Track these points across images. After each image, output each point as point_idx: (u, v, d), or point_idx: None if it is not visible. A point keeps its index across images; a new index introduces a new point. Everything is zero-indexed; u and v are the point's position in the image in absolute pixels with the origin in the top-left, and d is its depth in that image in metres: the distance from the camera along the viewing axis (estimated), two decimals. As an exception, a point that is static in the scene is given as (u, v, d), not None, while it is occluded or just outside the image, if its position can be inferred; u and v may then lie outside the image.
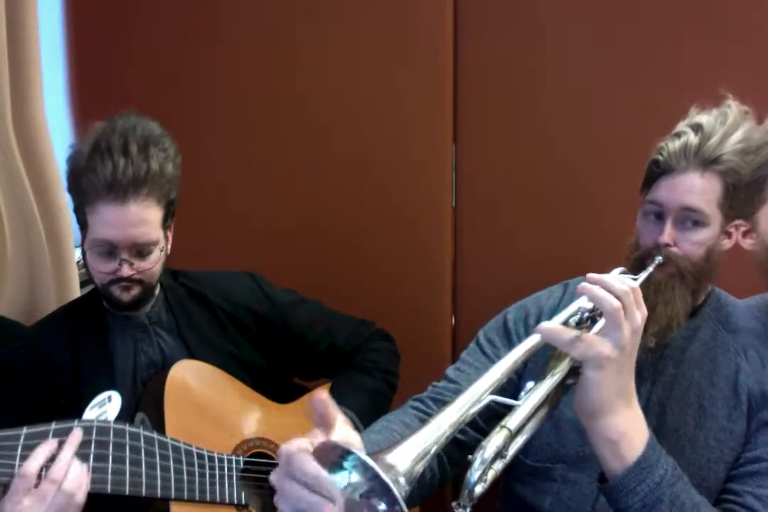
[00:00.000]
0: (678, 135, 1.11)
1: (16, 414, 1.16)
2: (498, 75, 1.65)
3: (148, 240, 1.21)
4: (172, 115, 1.69)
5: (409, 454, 0.66)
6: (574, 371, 0.93)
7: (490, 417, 0.90)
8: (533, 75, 1.64)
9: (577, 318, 0.98)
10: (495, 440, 0.82)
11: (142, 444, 1.12)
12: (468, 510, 0.77)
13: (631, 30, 1.59)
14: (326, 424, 0.69)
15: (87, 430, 1.07)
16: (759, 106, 1.14)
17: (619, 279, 0.93)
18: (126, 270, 1.21)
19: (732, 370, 1.15)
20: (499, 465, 0.81)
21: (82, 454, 1.05)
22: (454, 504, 0.77)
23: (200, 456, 1.18)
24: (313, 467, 0.63)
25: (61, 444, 1.02)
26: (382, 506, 0.62)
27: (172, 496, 1.13)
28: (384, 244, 1.75)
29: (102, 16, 1.75)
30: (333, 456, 0.63)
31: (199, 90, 1.75)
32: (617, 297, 0.89)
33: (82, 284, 1.64)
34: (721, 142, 1.07)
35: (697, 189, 1.08)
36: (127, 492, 1.08)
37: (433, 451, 0.69)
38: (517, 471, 1.22)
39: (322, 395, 0.69)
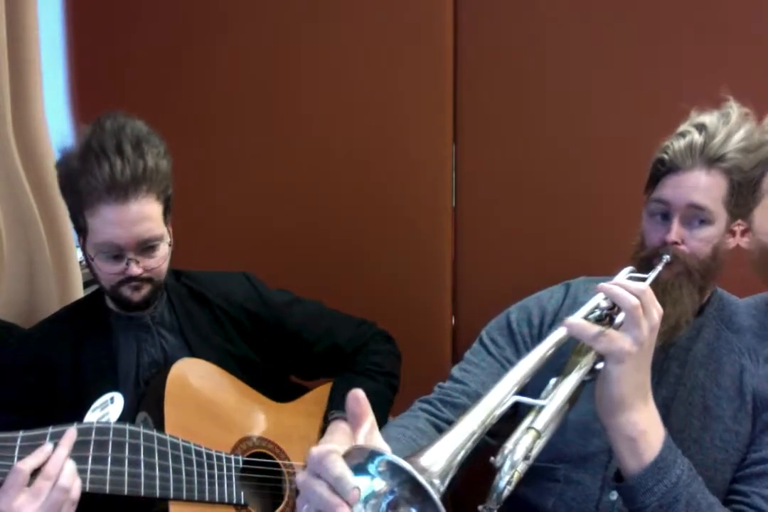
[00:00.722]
0: (682, 134, 1.12)
1: (11, 417, 1.16)
2: (498, 75, 1.65)
3: (153, 235, 1.21)
4: (172, 115, 1.70)
5: (441, 455, 0.64)
6: (591, 369, 0.94)
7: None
8: (533, 75, 1.64)
9: (595, 315, 0.99)
10: (524, 442, 0.81)
11: (142, 442, 1.12)
12: None
13: (631, 30, 1.58)
14: (358, 423, 0.68)
15: (86, 431, 1.06)
16: (760, 106, 1.14)
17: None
18: (135, 269, 1.21)
19: (737, 370, 1.15)
20: (523, 467, 0.80)
21: (80, 456, 1.05)
22: (480, 507, 0.77)
23: (199, 454, 1.18)
24: (340, 467, 0.62)
25: (56, 445, 1.02)
26: None
27: (171, 496, 1.13)
28: (384, 244, 1.75)
29: (102, 16, 1.75)
30: (361, 459, 0.62)
31: (198, 90, 1.75)
32: (635, 296, 0.91)
33: (85, 284, 1.64)
34: (725, 141, 1.08)
35: (703, 186, 1.09)
36: (125, 493, 1.08)
37: (465, 451, 0.68)
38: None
39: (359, 394, 0.68)
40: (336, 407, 1.35)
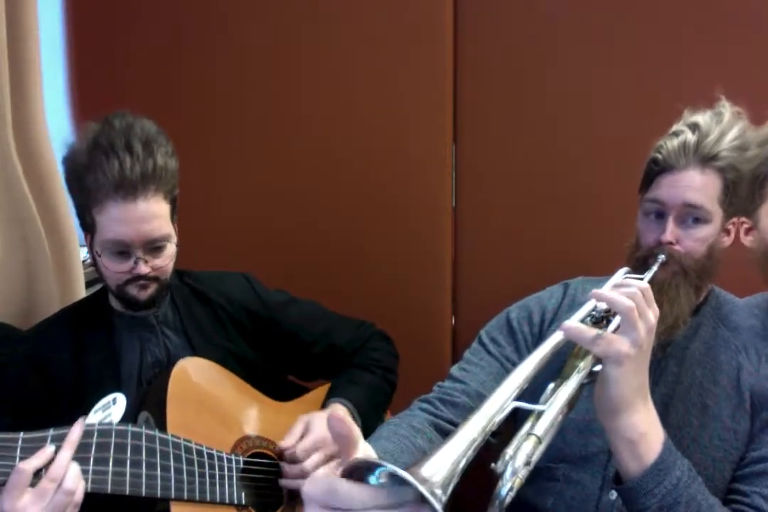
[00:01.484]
0: (676, 134, 1.13)
1: (12, 418, 1.16)
2: (498, 75, 1.65)
3: (161, 234, 1.21)
4: (172, 115, 1.69)
5: (443, 465, 0.63)
6: (589, 372, 0.94)
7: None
8: (533, 75, 1.64)
9: (592, 318, 0.99)
10: (525, 448, 0.80)
11: (144, 442, 1.12)
12: None
13: (631, 30, 1.59)
14: (348, 443, 0.64)
15: (88, 433, 1.06)
16: (760, 106, 1.14)
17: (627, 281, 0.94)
18: (143, 268, 1.21)
19: (734, 369, 1.15)
20: (524, 473, 0.79)
21: (82, 458, 1.05)
22: None
23: (200, 454, 1.18)
24: (357, 491, 0.58)
25: (58, 447, 1.02)
26: None
27: (172, 496, 1.13)
28: (384, 244, 1.75)
29: (102, 16, 1.75)
30: (361, 471, 0.59)
31: (198, 90, 1.75)
32: (629, 298, 0.91)
33: (88, 284, 1.64)
34: (719, 140, 1.09)
35: (698, 185, 1.09)
36: (127, 492, 1.08)
37: (466, 459, 0.66)
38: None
39: (339, 413, 0.66)
40: (331, 396, 1.36)
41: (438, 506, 0.57)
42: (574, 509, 1.15)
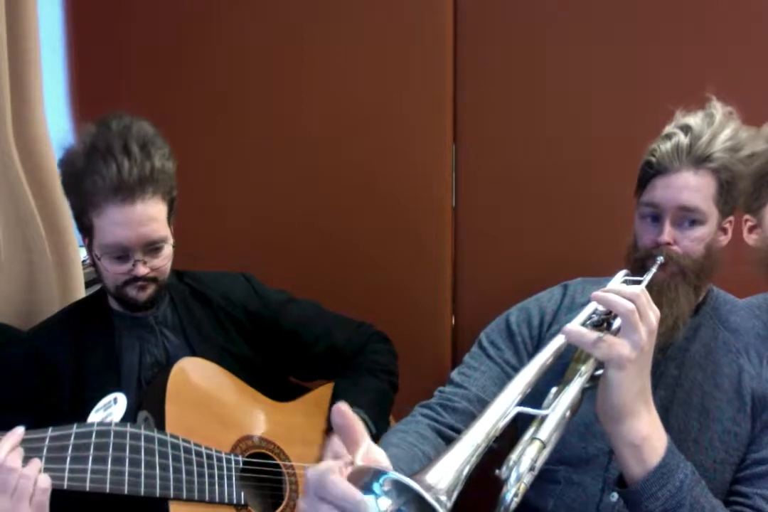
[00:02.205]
0: (668, 136, 1.13)
1: (12, 418, 1.15)
2: (498, 75, 1.65)
3: (159, 236, 1.22)
4: (172, 114, 1.70)
5: (447, 471, 0.63)
6: (591, 376, 0.94)
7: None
8: (533, 75, 1.64)
9: (593, 321, 0.99)
10: (529, 453, 0.80)
11: (143, 443, 1.12)
12: None
13: (631, 30, 1.59)
14: (352, 439, 0.64)
15: (86, 433, 1.06)
16: (760, 106, 1.14)
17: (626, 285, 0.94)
18: (142, 270, 1.21)
19: (735, 372, 1.15)
20: (529, 478, 0.79)
21: (80, 457, 1.05)
22: None
23: (199, 454, 1.18)
24: (350, 490, 0.59)
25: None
26: None
27: (171, 496, 1.13)
28: (384, 244, 1.75)
29: (102, 17, 1.75)
30: (365, 479, 0.59)
31: (198, 90, 1.75)
32: (630, 300, 0.91)
33: (87, 284, 1.64)
34: (711, 141, 1.09)
35: (692, 186, 1.09)
36: (126, 492, 1.08)
37: (470, 466, 0.66)
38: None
39: (342, 406, 0.65)
40: (348, 402, 1.35)
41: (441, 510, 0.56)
42: (574, 511, 1.15)
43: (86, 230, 1.23)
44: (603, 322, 0.99)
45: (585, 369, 0.93)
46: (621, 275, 1.13)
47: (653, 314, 0.93)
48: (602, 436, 1.12)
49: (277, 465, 1.29)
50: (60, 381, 1.24)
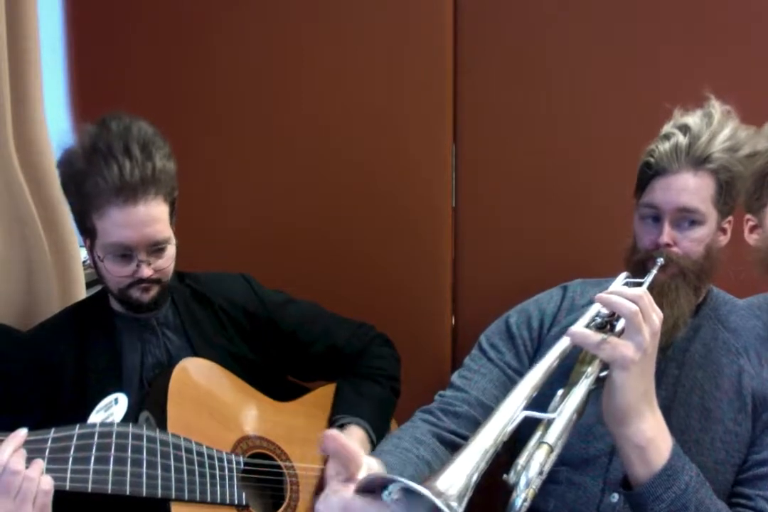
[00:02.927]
0: (667, 137, 1.12)
1: (13, 418, 1.16)
2: (498, 75, 1.65)
3: (162, 237, 1.21)
4: (172, 114, 1.70)
5: (458, 477, 0.63)
6: (596, 378, 0.94)
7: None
8: (533, 75, 1.64)
9: (597, 323, 0.99)
10: (537, 457, 0.80)
11: (145, 443, 1.12)
12: None
13: (631, 30, 1.59)
14: (348, 460, 0.64)
15: (88, 434, 1.06)
16: (760, 106, 1.14)
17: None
18: (146, 271, 1.21)
19: (735, 372, 1.15)
20: (538, 482, 0.78)
21: (82, 457, 1.05)
22: None
23: (200, 454, 1.18)
24: (371, 508, 0.59)
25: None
26: None
27: (173, 496, 1.13)
28: (384, 244, 1.75)
29: (102, 17, 1.75)
30: (377, 488, 0.60)
31: (198, 90, 1.75)
32: (633, 302, 0.91)
33: (88, 284, 1.64)
34: (710, 142, 1.09)
35: (692, 188, 1.09)
36: (127, 493, 1.08)
37: (479, 471, 0.66)
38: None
39: (332, 432, 0.66)
40: (343, 411, 1.36)
41: None
42: (575, 511, 1.15)
43: (88, 232, 1.22)
44: (606, 324, 0.99)
45: (590, 371, 0.93)
46: (622, 277, 1.13)
47: (656, 315, 0.93)
48: (603, 437, 1.13)
49: (278, 466, 1.29)
50: (62, 382, 1.24)
